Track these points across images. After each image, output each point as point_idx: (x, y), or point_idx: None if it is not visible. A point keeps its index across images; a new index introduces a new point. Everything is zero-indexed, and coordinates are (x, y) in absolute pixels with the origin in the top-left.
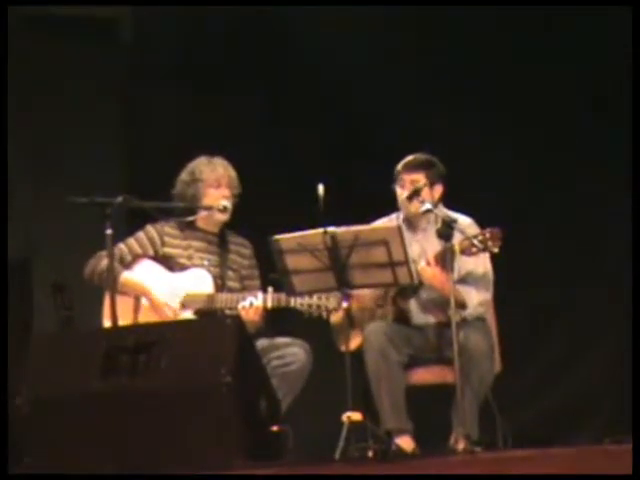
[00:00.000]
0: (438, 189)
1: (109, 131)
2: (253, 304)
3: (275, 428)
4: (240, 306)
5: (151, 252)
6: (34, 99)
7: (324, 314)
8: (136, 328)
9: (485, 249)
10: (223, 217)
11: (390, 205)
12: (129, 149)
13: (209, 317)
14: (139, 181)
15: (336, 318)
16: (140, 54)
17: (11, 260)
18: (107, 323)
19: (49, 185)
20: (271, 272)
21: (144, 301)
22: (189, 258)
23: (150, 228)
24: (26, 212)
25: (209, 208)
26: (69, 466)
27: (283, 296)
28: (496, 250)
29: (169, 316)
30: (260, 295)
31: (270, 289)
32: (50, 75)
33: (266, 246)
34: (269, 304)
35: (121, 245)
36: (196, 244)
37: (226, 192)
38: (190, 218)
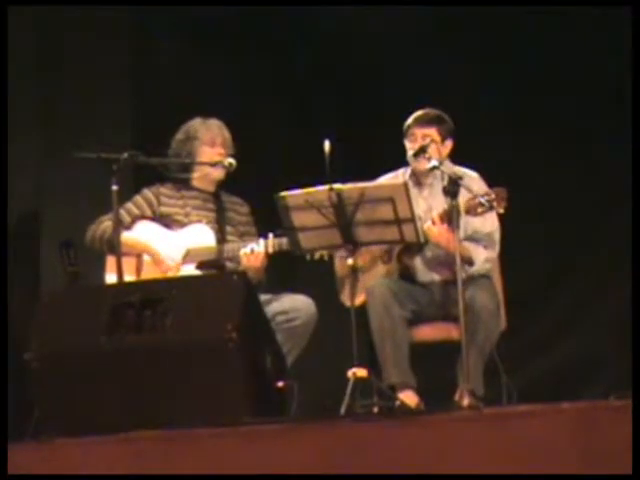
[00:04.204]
0: (448, 145)
1: (117, 85)
2: (254, 250)
3: (280, 384)
4: (242, 252)
5: (149, 213)
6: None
7: (325, 256)
8: (142, 284)
9: (491, 209)
10: (221, 174)
11: (398, 160)
12: (137, 106)
13: (215, 272)
14: (147, 138)
15: (341, 272)
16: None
17: (19, 214)
18: (110, 280)
19: (57, 140)
20: (273, 230)
21: (146, 257)
22: (186, 215)
23: (146, 190)
24: (34, 167)
25: (214, 164)
26: (75, 420)
27: (284, 240)
28: (501, 210)
29: (171, 266)
30: (262, 241)
31: (270, 235)
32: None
33: (269, 203)
34: (270, 249)
35: (119, 210)
36: (192, 202)
37: (221, 151)
38: (188, 175)
